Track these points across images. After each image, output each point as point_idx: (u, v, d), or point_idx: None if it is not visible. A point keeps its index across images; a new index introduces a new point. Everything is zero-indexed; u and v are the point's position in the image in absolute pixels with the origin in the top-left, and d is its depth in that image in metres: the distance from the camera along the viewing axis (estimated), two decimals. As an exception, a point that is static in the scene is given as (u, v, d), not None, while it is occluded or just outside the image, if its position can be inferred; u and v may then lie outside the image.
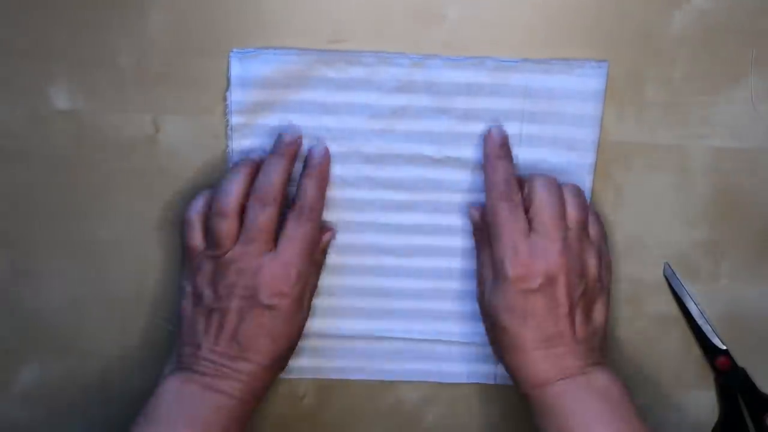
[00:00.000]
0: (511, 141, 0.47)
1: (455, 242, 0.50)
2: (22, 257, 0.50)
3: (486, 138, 0.47)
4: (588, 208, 0.47)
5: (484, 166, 0.47)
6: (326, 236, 0.49)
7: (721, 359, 0.52)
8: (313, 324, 0.51)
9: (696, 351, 0.53)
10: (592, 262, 0.46)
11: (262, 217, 0.44)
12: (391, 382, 0.53)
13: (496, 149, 0.47)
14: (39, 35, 0.46)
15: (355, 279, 0.51)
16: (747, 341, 0.52)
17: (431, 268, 0.51)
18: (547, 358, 0.44)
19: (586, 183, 0.49)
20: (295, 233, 0.45)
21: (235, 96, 0.47)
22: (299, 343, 0.52)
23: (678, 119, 0.48)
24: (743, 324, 0.52)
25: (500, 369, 0.52)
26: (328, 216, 0.49)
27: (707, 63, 0.47)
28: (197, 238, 0.46)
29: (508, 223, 0.44)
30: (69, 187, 0.49)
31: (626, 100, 0.48)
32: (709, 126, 0.49)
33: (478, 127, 0.48)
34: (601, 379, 0.44)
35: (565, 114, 0.47)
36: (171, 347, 0.47)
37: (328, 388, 0.53)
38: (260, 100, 0.47)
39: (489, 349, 0.50)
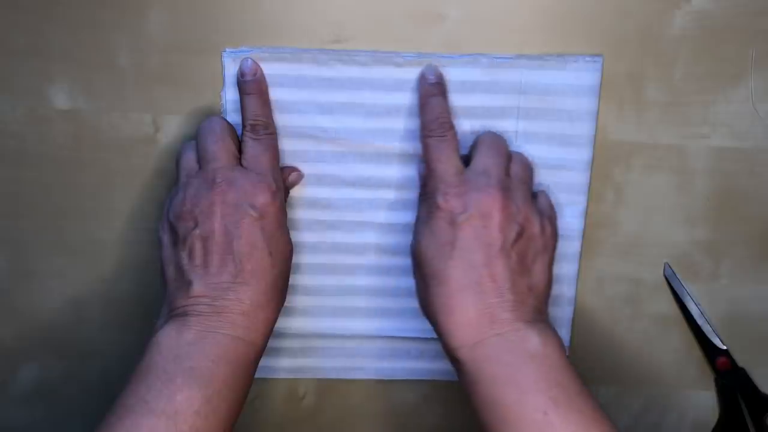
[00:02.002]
0: (508, 138, 0.47)
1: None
2: (22, 257, 0.50)
3: (419, 78, 0.46)
4: (533, 172, 0.47)
5: (419, 108, 0.46)
6: (292, 176, 0.48)
7: (721, 359, 0.52)
8: (312, 324, 0.52)
9: (696, 351, 0.53)
10: (532, 217, 0.44)
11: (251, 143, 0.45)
12: (391, 382, 0.53)
13: (428, 88, 0.46)
14: (39, 35, 0.46)
15: (353, 278, 0.51)
16: (747, 341, 0.52)
17: None
18: (475, 306, 0.41)
19: (583, 179, 0.48)
20: (257, 150, 0.45)
21: (230, 95, 0.47)
22: (299, 344, 0.52)
23: (678, 119, 0.48)
24: (743, 324, 0.52)
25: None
26: (326, 216, 0.49)
27: (707, 63, 0.47)
28: (191, 159, 0.45)
29: (440, 157, 0.44)
30: (69, 187, 0.49)
31: (626, 100, 0.48)
32: (709, 126, 0.49)
33: (474, 125, 0.48)
34: (535, 339, 0.41)
35: (560, 109, 0.47)
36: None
37: (328, 388, 0.53)
38: None
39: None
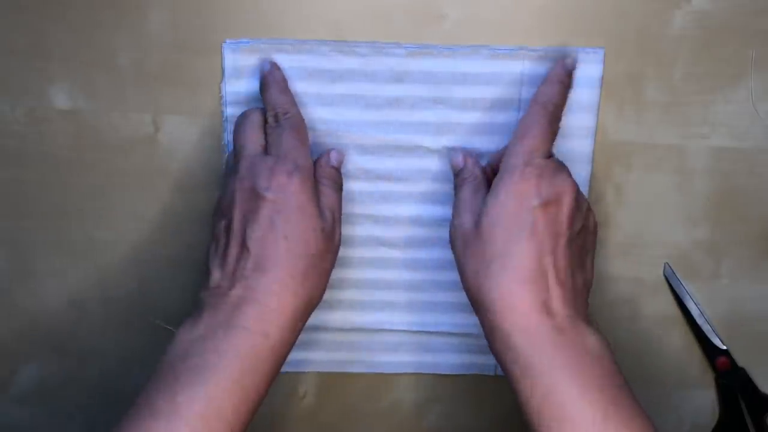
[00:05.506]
0: (509, 130, 0.47)
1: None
2: (22, 257, 0.50)
3: (557, 61, 0.46)
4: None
5: (541, 84, 0.45)
6: (332, 154, 0.47)
7: (721, 359, 0.52)
8: (312, 317, 0.51)
9: (696, 351, 0.53)
10: (590, 212, 0.44)
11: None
12: (392, 381, 0.53)
13: (561, 73, 0.45)
14: (39, 35, 0.46)
15: (353, 271, 0.51)
16: (747, 341, 0.52)
17: (429, 259, 0.51)
18: (537, 294, 0.40)
19: (585, 171, 0.48)
20: (277, 133, 0.44)
21: (230, 87, 0.47)
22: (299, 337, 0.52)
23: (678, 119, 0.48)
24: (743, 324, 0.52)
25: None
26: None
27: (707, 63, 0.47)
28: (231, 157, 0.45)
29: (539, 127, 0.43)
30: (69, 187, 0.49)
31: (626, 100, 0.48)
32: (709, 126, 0.49)
33: (475, 117, 0.48)
34: (593, 337, 0.41)
35: None
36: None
37: (328, 387, 0.53)
38: (255, 92, 0.47)
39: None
